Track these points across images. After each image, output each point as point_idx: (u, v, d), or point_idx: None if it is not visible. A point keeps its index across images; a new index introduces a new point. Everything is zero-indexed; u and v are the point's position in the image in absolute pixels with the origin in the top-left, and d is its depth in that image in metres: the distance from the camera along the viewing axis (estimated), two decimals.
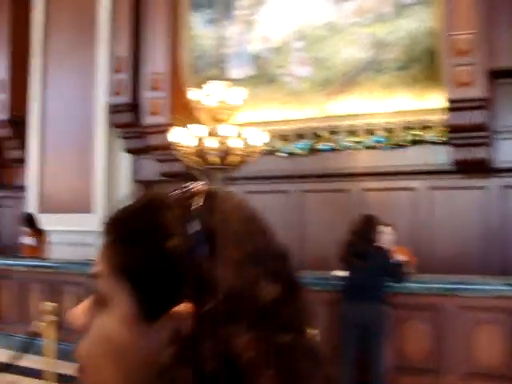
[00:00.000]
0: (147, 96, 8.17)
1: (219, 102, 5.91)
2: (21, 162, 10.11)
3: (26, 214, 8.25)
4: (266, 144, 6.45)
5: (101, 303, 0.63)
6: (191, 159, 6.00)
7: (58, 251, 8.50)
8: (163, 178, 8.75)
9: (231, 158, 5.77)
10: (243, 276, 0.60)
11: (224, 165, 5.81)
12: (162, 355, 0.58)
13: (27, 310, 7.00)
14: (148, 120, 8.13)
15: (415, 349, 5.36)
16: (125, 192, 9.04)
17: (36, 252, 8.01)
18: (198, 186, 0.66)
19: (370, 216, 5.33)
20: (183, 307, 0.59)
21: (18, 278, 7.27)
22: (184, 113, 8.26)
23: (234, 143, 5.85)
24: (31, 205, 9.86)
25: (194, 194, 0.65)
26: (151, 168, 8.81)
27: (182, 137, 6.08)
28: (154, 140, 8.15)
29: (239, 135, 5.86)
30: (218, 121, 5.95)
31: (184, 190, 0.66)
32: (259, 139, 6.04)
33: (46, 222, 9.35)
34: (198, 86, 8.32)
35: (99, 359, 0.62)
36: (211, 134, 5.90)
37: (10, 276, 7.39)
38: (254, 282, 0.60)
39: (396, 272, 5.18)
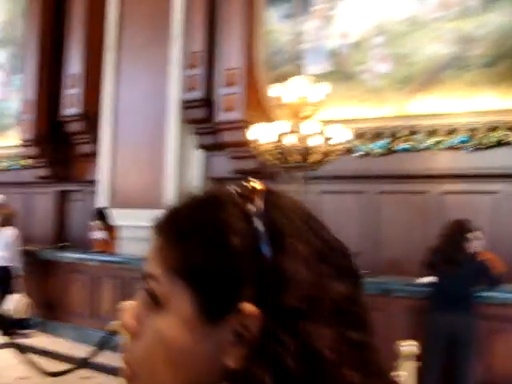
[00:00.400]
0: (221, 92, 8.05)
1: (301, 98, 5.71)
2: (92, 156, 10.18)
3: (97, 208, 8.27)
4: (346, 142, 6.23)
5: (154, 305, 0.60)
6: (270, 157, 5.83)
7: (128, 246, 8.49)
8: (236, 176, 8.63)
9: (313, 156, 5.56)
10: (316, 273, 0.59)
11: (305, 163, 5.62)
12: (228, 358, 0.56)
13: (98, 304, 7.01)
14: (222, 116, 8.01)
15: (506, 364, 5.04)
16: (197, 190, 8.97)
17: (107, 247, 8.02)
18: (256, 183, 0.64)
19: (461, 221, 5.05)
20: (246, 307, 0.57)
21: (90, 272, 7.29)
22: (258, 109, 8.13)
23: (316, 141, 5.65)
24: (102, 199, 9.92)
25: (253, 192, 0.63)
26: (223, 165, 8.70)
27: (262, 134, 5.92)
28: (227, 136, 8.03)
29: (321, 132, 5.65)
30: (300, 117, 5.76)
31: (242, 187, 0.65)
32: (342, 137, 5.81)
33: (116, 216, 9.39)
34: (273, 82, 8.20)
35: (158, 365, 0.59)
36: (292, 131, 5.72)
37: (81, 270, 7.42)
38: (327, 279, 0.59)
39: (492, 279, 4.88)
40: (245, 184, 0.65)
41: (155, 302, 0.61)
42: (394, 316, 5.23)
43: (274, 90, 5.93)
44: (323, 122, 6.52)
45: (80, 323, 7.06)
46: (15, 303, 6.88)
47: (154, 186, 9.15)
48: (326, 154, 5.66)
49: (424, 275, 5.21)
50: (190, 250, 0.60)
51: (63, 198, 11.28)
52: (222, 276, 0.58)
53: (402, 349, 3.81)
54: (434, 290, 4.95)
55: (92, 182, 10.55)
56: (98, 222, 8.15)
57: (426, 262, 5.06)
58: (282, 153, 5.59)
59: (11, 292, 7.10)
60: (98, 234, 8.13)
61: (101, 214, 8.18)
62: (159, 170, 9.11)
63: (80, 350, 6.53)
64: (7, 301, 6.93)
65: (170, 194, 8.95)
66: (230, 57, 8.03)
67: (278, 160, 5.87)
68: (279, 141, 5.83)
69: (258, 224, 0.59)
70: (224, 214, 0.61)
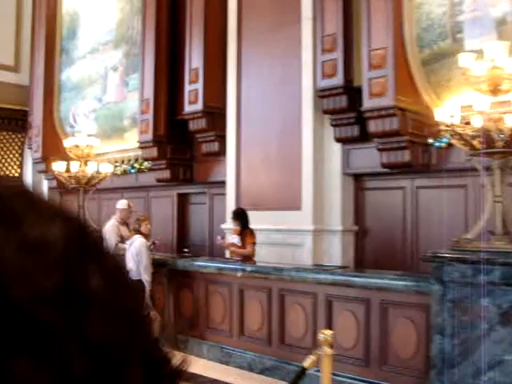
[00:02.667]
0: (367, 76, 7.13)
1: (495, 69, 4.70)
2: (215, 155, 9.54)
3: (237, 209, 7.54)
4: None
5: None
6: (466, 142, 4.84)
7: (259, 252, 7.74)
8: (381, 170, 7.72)
9: None
10: None
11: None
12: None
13: (243, 321, 6.22)
14: (368, 103, 7.09)
15: None
16: (334, 186, 8.12)
17: (245, 254, 7.28)
18: None
19: None
20: None
21: (230, 283, 6.49)
22: (408, 94, 7.17)
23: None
24: (229, 201, 9.25)
25: None
26: (366, 159, 7.80)
27: (451, 115, 4.97)
28: (375, 126, 7.11)
29: None
30: (494, 92, 4.75)
31: None
32: None
33: None
34: (426, 62, 7.22)
35: None
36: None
37: (221, 282, 6.64)
38: None
39: None
40: None
41: None
42: None
43: (463, 60, 4.92)
44: None
45: (221, 342, 6.31)
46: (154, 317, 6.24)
47: (287, 185, 8.36)
48: None
49: None
50: None
51: (184, 201, 10.74)
52: None
53: None
54: None
55: (215, 184, 9.94)
56: (236, 225, 7.41)
57: None
58: (487, 138, 4.59)
59: None
60: (234, 239, 7.39)
61: (240, 216, 7.42)
62: (292, 168, 8.31)
63: (223, 373, 5.82)
64: None
65: (307, 194, 8.13)
66: (375, 36, 7.09)
67: (471, 147, 4.88)
68: (467, 122, 4.88)
69: None
70: None
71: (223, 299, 6.29)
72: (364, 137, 7.86)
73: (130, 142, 11.00)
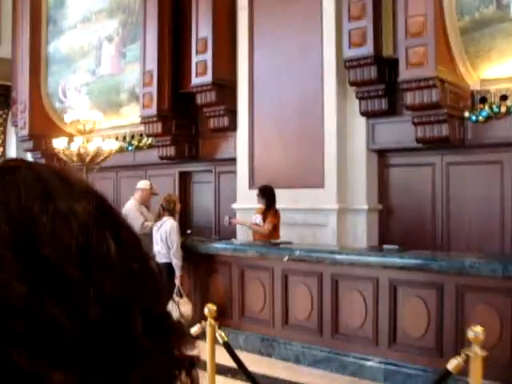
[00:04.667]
0: (403, 45, 6.67)
1: None
2: (225, 131, 9.00)
3: (264, 186, 7.03)
4: None
5: None
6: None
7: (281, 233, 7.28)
8: (409, 146, 7.32)
9: None
10: None
11: None
12: None
13: (288, 309, 5.70)
14: (405, 74, 6.64)
15: None
16: (359, 162, 7.69)
17: (270, 235, 6.80)
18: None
19: None
20: None
21: (272, 268, 5.89)
22: (445, 64, 6.75)
23: None
24: (240, 179, 8.75)
25: None
26: (394, 133, 7.40)
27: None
28: (411, 98, 6.67)
29: None
30: None
31: None
32: None
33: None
34: (463, 31, 6.80)
35: None
36: None
37: (260, 266, 6.08)
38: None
39: None
40: None
41: None
42: None
43: None
44: None
45: (261, 332, 5.82)
46: (184, 309, 5.73)
47: (307, 162, 7.90)
48: None
49: None
50: None
51: (187, 179, 10.18)
52: None
53: None
54: None
55: (222, 161, 9.41)
56: (261, 203, 6.89)
57: None
58: None
59: (176, 295, 5.95)
60: (257, 219, 6.89)
61: (267, 193, 6.91)
62: (313, 143, 7.84)
63: (265, 366, 5.34)
64: (173, 306, 5.78)
65: (331, 171, 7.68)
66: (413, 2, 6.62)
67: None
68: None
69: None
70: None
71: (263, 286, 5.79)
72: (392, 110, 7.45)
73: (127, 118, 10.36)
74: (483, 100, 6.93)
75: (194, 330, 3.43)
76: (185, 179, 10.17)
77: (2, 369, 0.50)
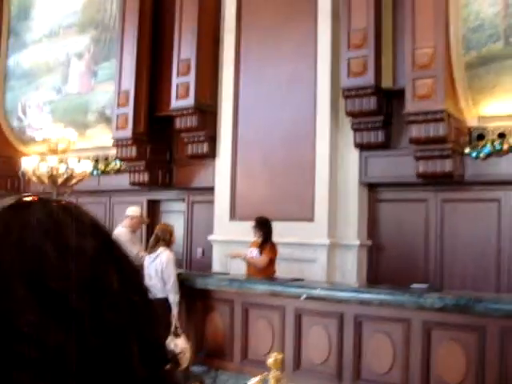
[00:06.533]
0: (410, 77, 6.47)
1: None
2: (202, 158, 8.53)
3: (259, 218, 6.58)
4: None
5: None
6: None
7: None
8: (403, 181, 7.09)
9: None
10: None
11: None
12: None
13: (298, 350, 5.21)
14: (412, 106, 6.42)
15: None
16: (350, 196, 7.39)
17: (266, 270, 6.36)
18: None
19: None
20: None
21: (283, 307, 5.35)
22: (449, 98, 6.59)
23: None
24: (219, 210, 8.27)
25: None
26: (388, 167, 7.15)
27: None
28: (417, 131, 6.45)
29: None
30: None
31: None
32: None
33: (239, 231, 7.76)
34: (468, 66, 6.68)
35: None
36: None
37: (268, 304, 5.54)
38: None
39: None
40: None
41: None
42: None
43: None
44: None
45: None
46: (181, 349, 5.15)
47: (295, 193, 7.53)
48: None
49: None
50: None
51: (155, 208, 9.60)
52: None
53: None
54: None
55: (197, 190, 8.92)
56: (257, 236, 6.44)
57: None
58: None
59: (172, 333, 5.37)
60: (254, 252, 6.43)
61: (264, 225, 6.47)
62: (302, 174, 7.49)
63: None
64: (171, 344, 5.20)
65: (322, 204, 7.34)
66: (420, 34, 6.44)
67: None
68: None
69: None
70: None
71: (271, 326, 5.28)
72: (387, 143, 7.23)
73: (92, 140, 9.73)
74: (480, 137, 6.80)
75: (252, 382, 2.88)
76: (153, 208, 9.58)
77: None
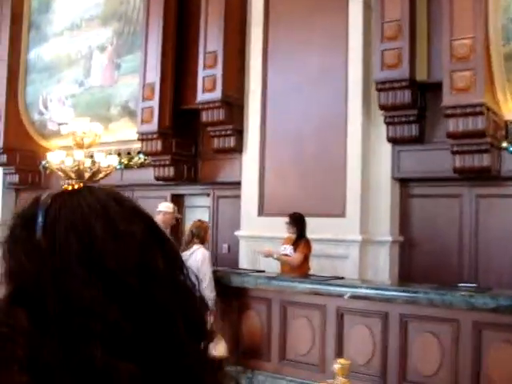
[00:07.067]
0: (448, 69, 6.30)
1: None
2: (228, 152, 8.40)
3: (295, 213, 6.44)
4: None
5: None
6: None
7: None
8: (437, 175, 6.94)
9: None
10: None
11: None
12: None
13: (340, 350, 5.10)
14: (449, 100, 6.26)
15: None
16: (383, 191, 7.24)
17: (301, 268, 6.23)
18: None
19: None
20: None
21: (324, 306, 5.22)
22: (488, 91, 6.42)
23: None
24: (246, 205, 8.14)
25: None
26: (422, 162, 7.00)
27: None
28: (455, 125, 6.28)
29: None
30: None
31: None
32: None
33: (267, 227, 7.64)
34: (507, 57, 6.50)
35: None
36: None
37: (308, 303, 5.39)
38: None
39: None
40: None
41: None
42: None
43: None
44: None
45: (307, 377, 5.15)
46: (218, 349, 5.03)
47: (326, 188, 7.39)
48: None
49: None
50: None
51: (179, 203, 9.47)
52: None
53: None
54: None
55: (223, 184, 8.79)
56: (291, 232, 6.31)
57: None
58: None
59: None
60: (288, 249, 6.30)
61: (298, 221, 6.33)
62: (334, 169, 7.35)
63: None
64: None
65: (353, 199, 7.19)
66: (459, 25, 6.27)
67: None
68: None
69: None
70: None
71: (311, 325, 5.16)
72: (421, 137, 7.07)
73: (115, 134, 9.61)
74: None
75: None
76: (177, 202, 9.45)
77: (83, 361, 0.62)
